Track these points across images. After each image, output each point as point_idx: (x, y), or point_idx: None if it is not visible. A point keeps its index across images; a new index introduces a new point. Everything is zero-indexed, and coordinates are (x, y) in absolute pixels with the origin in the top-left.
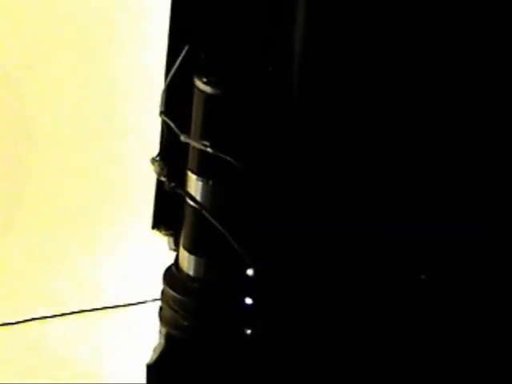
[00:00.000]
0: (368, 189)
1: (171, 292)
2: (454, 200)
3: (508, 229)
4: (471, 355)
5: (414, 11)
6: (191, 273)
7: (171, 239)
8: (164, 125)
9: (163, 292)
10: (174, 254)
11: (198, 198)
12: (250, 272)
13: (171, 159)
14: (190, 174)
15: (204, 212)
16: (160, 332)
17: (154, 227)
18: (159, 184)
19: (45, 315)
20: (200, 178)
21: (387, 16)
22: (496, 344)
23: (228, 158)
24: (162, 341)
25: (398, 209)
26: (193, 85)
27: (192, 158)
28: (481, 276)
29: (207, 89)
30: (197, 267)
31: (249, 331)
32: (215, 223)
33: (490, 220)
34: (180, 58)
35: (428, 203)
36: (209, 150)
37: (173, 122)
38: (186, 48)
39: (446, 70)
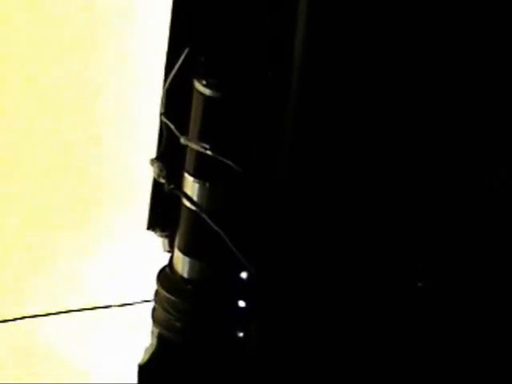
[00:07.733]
0: (366, 195)
1: (165, 293)
2: (454, 208)
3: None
4: (466, 359)
5: (413, 20)
6: (185, 274)
7: (166, 241)
8: (163, 126)
9: (157, 293)
10: (168, 255)
11: (195, 199)
12: (243, 275)
13: (170, 161)
14: (186, 175)
15: (202, 214)
16: (152, 333)
17: (149, 228)
18: (155, 185)
19: (37, 314)
20: (197, 180)
21: (387, 26)
22: (491, 348)
23: (227, 161)
24: (154, 341)
25: (396, 215)
26: (192, 87)
27: (189, 160)
28: (477, 287)
29: (207, 91)
30: (191, 269)
31: (241, 334)
32: (213, 226)
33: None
34: (180, 61)
35: (426, 212)
36: (208, 152)
37: (172, 123)
38: (186, 50)
39: (444, 76)
